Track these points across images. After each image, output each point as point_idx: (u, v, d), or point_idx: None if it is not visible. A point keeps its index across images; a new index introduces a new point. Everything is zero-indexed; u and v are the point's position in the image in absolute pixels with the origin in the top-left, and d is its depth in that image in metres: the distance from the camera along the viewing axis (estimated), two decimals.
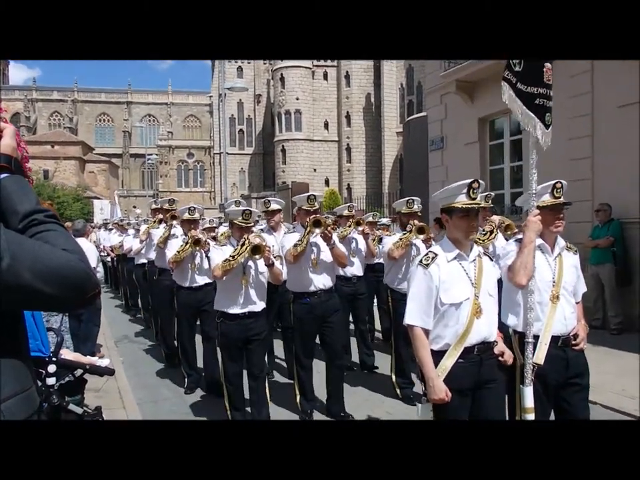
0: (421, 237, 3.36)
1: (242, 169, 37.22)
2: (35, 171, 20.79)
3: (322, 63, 30.91)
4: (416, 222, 3.41)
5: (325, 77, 31.07)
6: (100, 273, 6.08)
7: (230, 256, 2.74)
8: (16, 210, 0.80)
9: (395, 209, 3.68)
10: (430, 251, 1.90)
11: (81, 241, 4.71)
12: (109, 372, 2.05)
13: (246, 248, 2.69)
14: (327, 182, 30.76)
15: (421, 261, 1.86)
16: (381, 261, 4.93)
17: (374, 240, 4.29)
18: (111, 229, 8.84)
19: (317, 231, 2.95)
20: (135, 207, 30.08)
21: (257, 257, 2.69)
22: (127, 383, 4.02)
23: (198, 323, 4.00)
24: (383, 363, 4.27)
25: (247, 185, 36.54)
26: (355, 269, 4.12)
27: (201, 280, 3.81)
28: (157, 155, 37.01)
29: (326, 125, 31.26)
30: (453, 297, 1.80)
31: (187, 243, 3.65)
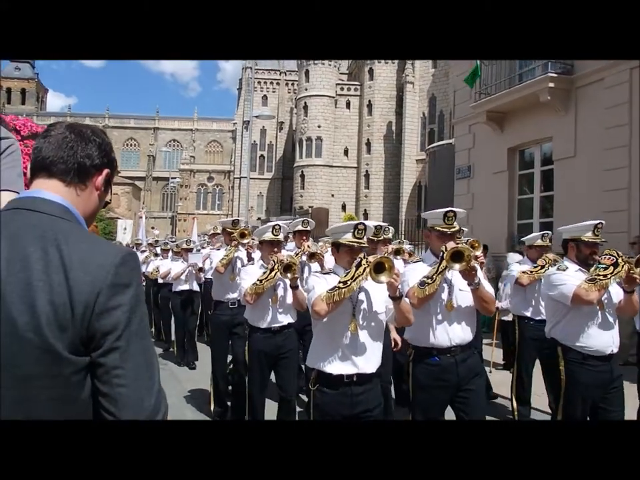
0: None
1: (260, 193, 37.90)
2: None
3: (345, 92, 31.68)
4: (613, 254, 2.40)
5: (348, 105, 31.69)
6: None
7: (340, 282, 1.91)
8: None
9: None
10: None
11: None
12: None
13: (364, 269, 1.88)
14: (344, 207, 30.95)
15: None
16: None
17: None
18: (144, 251, 8.12)
19: (457, 267, 2.06)
20: (153, 227, 30.68)
21: (383, 278, 1.87)
22: None
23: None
24: None
25: (264, 208, 37.07)
26: None
27: (283, 319, 2.99)
28: (179, 178, 38.12)
29: (346, 152, 31.69)
30: None
31: (271, 270, 2.79)
